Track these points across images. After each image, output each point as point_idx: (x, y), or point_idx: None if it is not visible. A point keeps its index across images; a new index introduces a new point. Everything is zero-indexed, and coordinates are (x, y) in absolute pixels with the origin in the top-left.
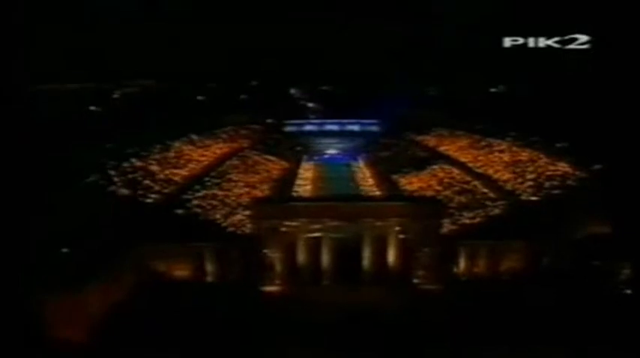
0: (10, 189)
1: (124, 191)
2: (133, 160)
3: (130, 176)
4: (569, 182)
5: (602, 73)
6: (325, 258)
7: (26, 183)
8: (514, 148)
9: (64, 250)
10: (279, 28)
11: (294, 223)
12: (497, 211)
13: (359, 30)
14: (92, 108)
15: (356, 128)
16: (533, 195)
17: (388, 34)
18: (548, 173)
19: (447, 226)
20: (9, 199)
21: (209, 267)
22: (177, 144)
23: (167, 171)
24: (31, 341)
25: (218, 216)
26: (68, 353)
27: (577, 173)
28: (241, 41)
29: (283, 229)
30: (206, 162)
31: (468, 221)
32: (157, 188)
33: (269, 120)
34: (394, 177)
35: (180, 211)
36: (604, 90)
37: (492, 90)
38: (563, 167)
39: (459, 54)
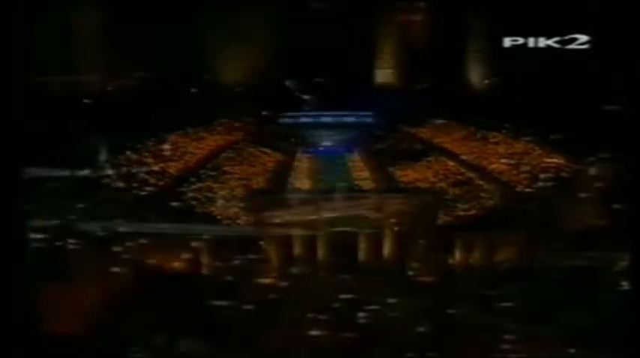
0: (4, 183)
1: (119, 183)
2: (128, 153)
3: (124, 168)
4: (565, 174)
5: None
6: (320, 250)
7: (19, 174)
8: (509, 140)
9: (57, 243)
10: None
11: (289, 215)
12: (492, 202)
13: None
14: (86, 100)
15: (351, 120)
16: (529, 186)
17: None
18: (544, 165)
19: (442, 218)
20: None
21: (205, 260)
22: (171, 136)
23: (162, 164)
24: (23, 334)
25: (213, 209)
26: (62, 346)
27: (573, 165)
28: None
29: (278, 221)
30: (201, 155)
31: (463, 212)
32: (151, 181)
33: (264, 113)
34: (389, 168)
35: (175, 204)
36: (602, 86)
37: (486, 81)
38: (559, 159)
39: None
